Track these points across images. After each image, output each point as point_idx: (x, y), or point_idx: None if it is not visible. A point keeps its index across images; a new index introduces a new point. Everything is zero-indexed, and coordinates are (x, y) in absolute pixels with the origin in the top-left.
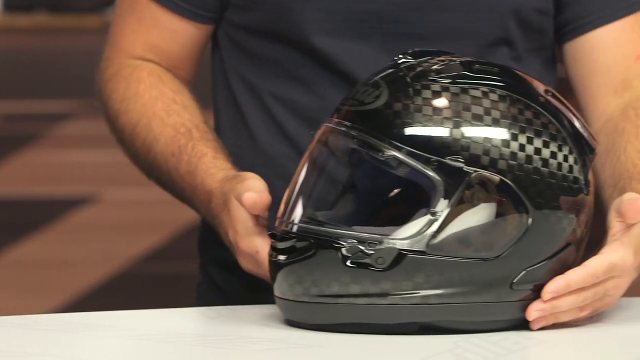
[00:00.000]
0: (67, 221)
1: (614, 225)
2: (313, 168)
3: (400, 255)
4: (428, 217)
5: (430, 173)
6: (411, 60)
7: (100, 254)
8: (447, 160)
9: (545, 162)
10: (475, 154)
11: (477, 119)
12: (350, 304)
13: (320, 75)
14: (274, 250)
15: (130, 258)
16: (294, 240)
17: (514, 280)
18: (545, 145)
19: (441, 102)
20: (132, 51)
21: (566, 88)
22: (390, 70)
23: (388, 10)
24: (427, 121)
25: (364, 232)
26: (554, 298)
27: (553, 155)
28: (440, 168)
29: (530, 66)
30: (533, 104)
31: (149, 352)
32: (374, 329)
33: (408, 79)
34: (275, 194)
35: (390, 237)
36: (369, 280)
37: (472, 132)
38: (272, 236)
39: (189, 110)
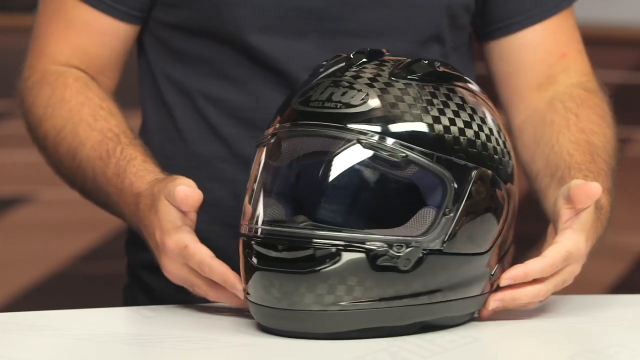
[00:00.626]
0: (2, 221)
1: (564, 212)
2: (297, 173)
3: (422, 256)
4: (443, 215)
5: (444, 172)
6: (376, 60)
7: (35, 254)
8: (454, 159)
9: (509, 155)
10: (471, 151)
11: (465, 116)
12: (372, 308)
13: (254, 74)
14: (275, 261)
15: (66, 258)
16: (312, 248)
17: (492, 273)
18: (505, 139)
19: (433, 100)
20: (57, 57)
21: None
22: (357, 69)
23: (325, 7)
24: (428, 120)
25: (389, 235)
26: (512, 287)
27: (507, 147)
28: (449, 166)
29: (455, 63)
30: (485, 100)
31: (85, 351)
32: (384, 332)
33: (388, 79)
34: (211, 196)
35: (414, 238)
36: (390, 283)
37: (464, 128)
38: (270, 246)
39: (115, 117)
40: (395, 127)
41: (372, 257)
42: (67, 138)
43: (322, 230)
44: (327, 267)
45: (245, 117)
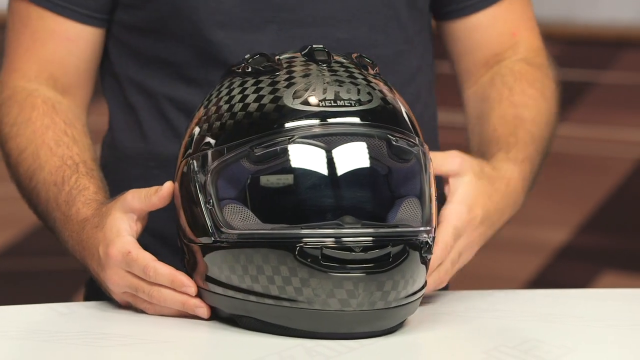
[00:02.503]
0: None
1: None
2: (337, 174)
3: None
4: (430, 201)
5: (429, 156)
6: (346, 58)
7: None
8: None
9: None
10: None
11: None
12: (415, 300)
13: (215, 75)
14: (350, 262)
15: None
16: (389, 246)
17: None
18: None
19: (392, 89)
20: (27, 72)
21: None
22: (327, 67)
23: None
24: (406, 108)
25: (418, 227)
26: None
27: None
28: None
29: (418, 49)
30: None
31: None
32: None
33: (366, 76)
34: None
35: (428, 228)
36: (424, 273)
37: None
38: (348, 249)
39: (78, 145)
40: (399, 120)
41: (420, 249)
42: (27, 159)
43: (389, 228)
44: (400, 263)
45: None
